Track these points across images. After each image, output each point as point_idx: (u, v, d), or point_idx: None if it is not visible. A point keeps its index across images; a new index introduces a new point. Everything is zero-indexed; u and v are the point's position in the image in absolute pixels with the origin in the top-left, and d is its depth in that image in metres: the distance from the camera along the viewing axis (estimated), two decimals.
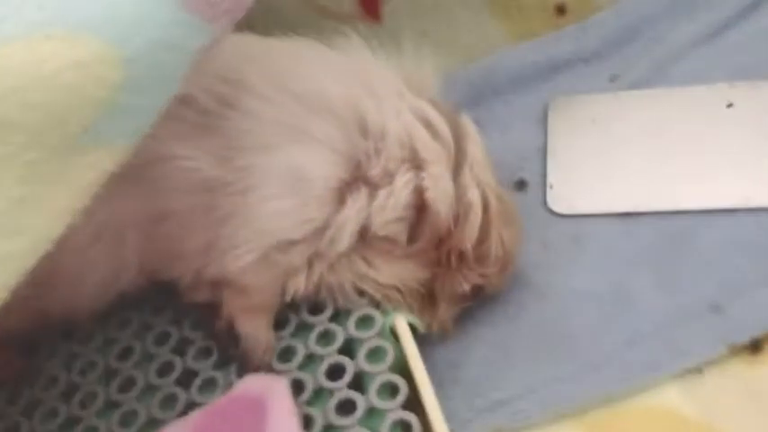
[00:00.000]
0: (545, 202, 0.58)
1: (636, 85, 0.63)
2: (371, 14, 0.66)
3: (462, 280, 0.48)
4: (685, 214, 0.54)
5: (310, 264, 0.46)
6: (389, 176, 0.45)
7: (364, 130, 0.45)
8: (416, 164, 0.46)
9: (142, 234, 0.45)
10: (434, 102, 0.49)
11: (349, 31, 0.50)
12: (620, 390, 0.47)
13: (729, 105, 0.59)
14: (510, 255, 0.49)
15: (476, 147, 0.48)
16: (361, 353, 0.44)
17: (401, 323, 0.45)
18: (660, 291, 0.51)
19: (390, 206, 0.45)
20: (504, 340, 0.51)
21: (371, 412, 0.42)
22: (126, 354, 0.48)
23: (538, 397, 0.47)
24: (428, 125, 0.47)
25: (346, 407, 0.42)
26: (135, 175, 0.44)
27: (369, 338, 0.45)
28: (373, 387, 0.42)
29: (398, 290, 0.47)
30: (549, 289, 0.53)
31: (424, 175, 0.45)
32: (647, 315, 0.49)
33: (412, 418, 0.41)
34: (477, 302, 0.52)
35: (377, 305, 0.47)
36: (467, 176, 0.47)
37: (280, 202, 0.44)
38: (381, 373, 0.43)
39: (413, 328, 0.48)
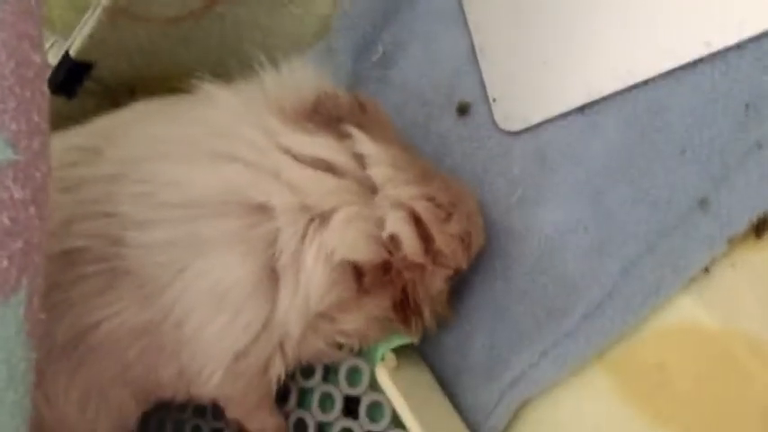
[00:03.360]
0: (494, 123, 0.51)
1: None
2: None
3: (433, 281, 0.46)
4: (648, 86, 0.46)
5: (281, 348, 0.45)
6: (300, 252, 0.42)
7: (257, 207, 0.42)
8: (322, 219, 0.42)
9: (119, 386, 0.46)
10: (321, 114, 0.43)
11: (204, 86, 0.45)
12: (629, 324, 0.44)
13: None
14: (467, 236, 0.45)
15: (379, 165, 0.42)
16: (362, 411, 0.44)
17: (382, 377, 0.44)
18: (640, 199, 0.45)
19: (312, 292, 0.41)
20: (503, 302, 0.48)
21: None
22: None
23: (550, 360, 0.46)
24: (317, 162, 0.42)
25: None
26: (77, 352, 0.44)
27: (363, 394, 0.45)
28: None
29: (370, 328, 0.45)
30: (528, 231, 0.48)
31: (325, 235, 0.41)
32: (635, 234, 0.45)
33: None
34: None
35: (359, 352, 0.46)
36: (380, 206, 0.42)
37: (214, 324, 0.42)
38: (386, 430, 0.44)
39: (408, 345, 0.47)
